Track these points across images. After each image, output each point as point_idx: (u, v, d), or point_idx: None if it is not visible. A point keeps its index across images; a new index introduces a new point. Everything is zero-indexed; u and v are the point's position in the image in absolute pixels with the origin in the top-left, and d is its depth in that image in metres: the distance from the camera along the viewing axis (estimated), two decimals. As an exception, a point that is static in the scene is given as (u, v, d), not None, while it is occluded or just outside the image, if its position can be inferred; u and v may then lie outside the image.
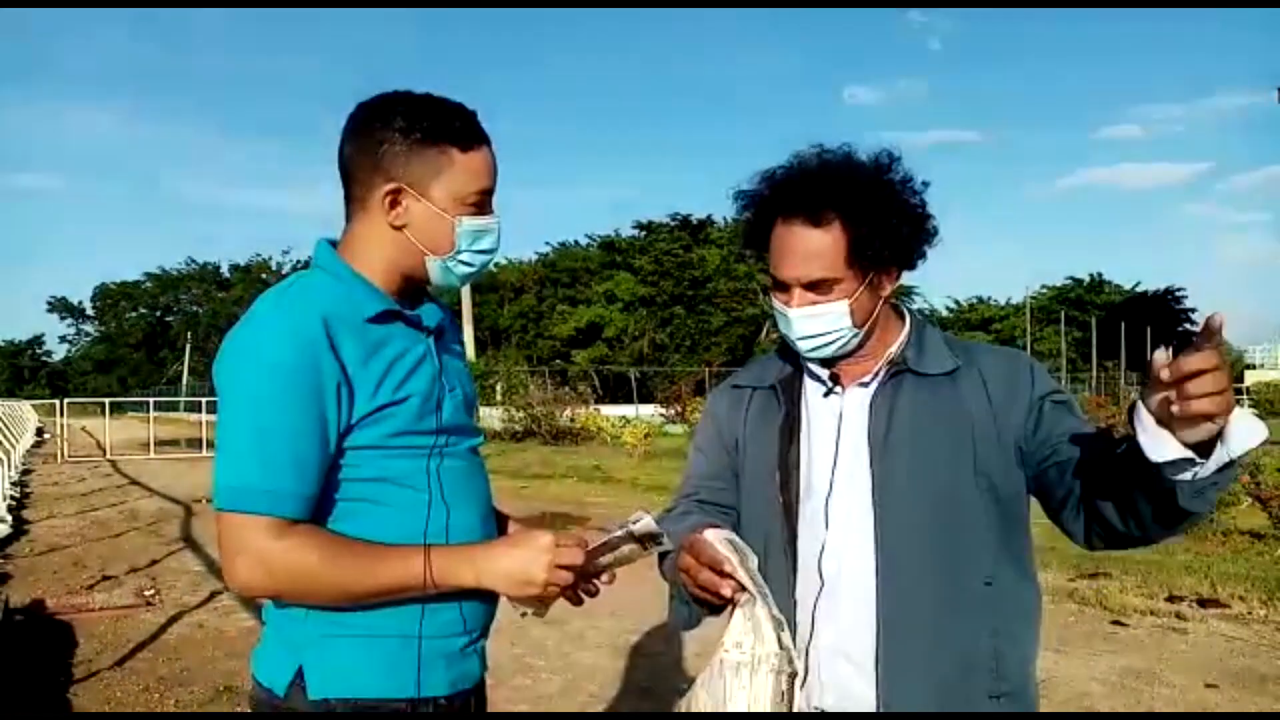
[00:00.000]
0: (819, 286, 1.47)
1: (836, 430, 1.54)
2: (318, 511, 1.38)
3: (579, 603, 1.48)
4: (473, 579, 1.39)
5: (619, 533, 1.41)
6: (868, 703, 1.44)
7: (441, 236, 1.45)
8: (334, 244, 1.50)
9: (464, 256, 1.48)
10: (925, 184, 1.52)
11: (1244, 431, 1.09)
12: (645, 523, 1.40)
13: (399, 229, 1.44)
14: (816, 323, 1.49)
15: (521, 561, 1.38)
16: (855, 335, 1.50)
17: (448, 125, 1.43)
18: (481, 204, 1.48)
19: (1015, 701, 1.45)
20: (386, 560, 1.36)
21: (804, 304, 1.48)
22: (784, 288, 1.50)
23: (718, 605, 1.43)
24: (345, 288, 1.42)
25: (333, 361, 1.34)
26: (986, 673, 1.42)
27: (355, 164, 1.45)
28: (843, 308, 1.48)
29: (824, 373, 1.57)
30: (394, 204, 1.43)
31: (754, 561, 1.33)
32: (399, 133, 1.42)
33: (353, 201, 1.48)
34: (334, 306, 1.38)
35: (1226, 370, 1.06)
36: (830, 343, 1.50)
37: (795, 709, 1.48)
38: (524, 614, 1.50)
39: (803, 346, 1.51)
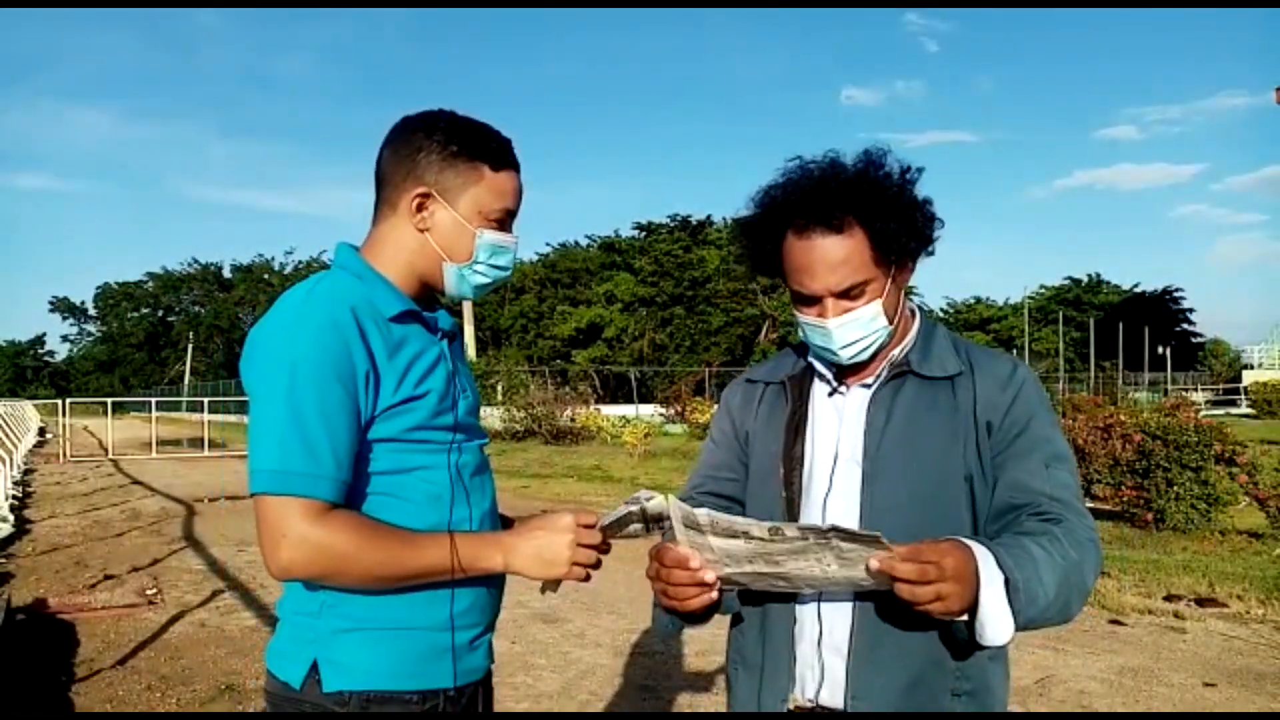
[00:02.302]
0: (851, 292, 1.47)
1: (838, 429, 1.55)
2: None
3: (588, 578, 1.52)
4: (501, 562, 1.45)
5: (633, 509, 1.45)
6: (843, 693, 1.46)
7: (462, 245, 1.51)
8: (354, 249, 1.56)
9: (480, 268, 1.54)
10: (920, 169, 1.53)
11: (991, 631, 1.30)
12: (657, 502, 1.44)
13: (422, 232, 1.51)
14: (854, 329, 1.49)
15: (547, 542, 1.45)
16: (889, 331, 1.52)
17: (484, 144, 1.52)
18: (503, 223, 1.54)
19: (976, 699, 1.47)
20: (420, 545, 1.40)
21: (839, 313, 1.48)
22: (813, 301, 1.49)
23: (694, 616, 1.47)
24: (367, 287, 1.48)
25: (363, 351, 1.40)
26: (951, 670, 1.45)
27: (391, 167, 1.52)
28: (876, 308, 1.49)
29: (829, 372, 1.58)
30: (421, 207, 1.50)
31: (704, 516, 1.31)
32: (437, 143, 1.49)
33: (383, 204, 1.54)
34: (360, 303, 1.44)
35: (939, 579, 1.23)
36: (870, 345, 1.51)
37: (793, 702, 1.50)
38: (545, 590, 1.56)
39: (845, 355, 1.50)
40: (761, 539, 1.28)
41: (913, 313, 1.61)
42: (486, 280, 1.56)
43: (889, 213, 1.46)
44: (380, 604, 1.42)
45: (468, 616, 1.50)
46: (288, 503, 1.34)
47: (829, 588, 1.37)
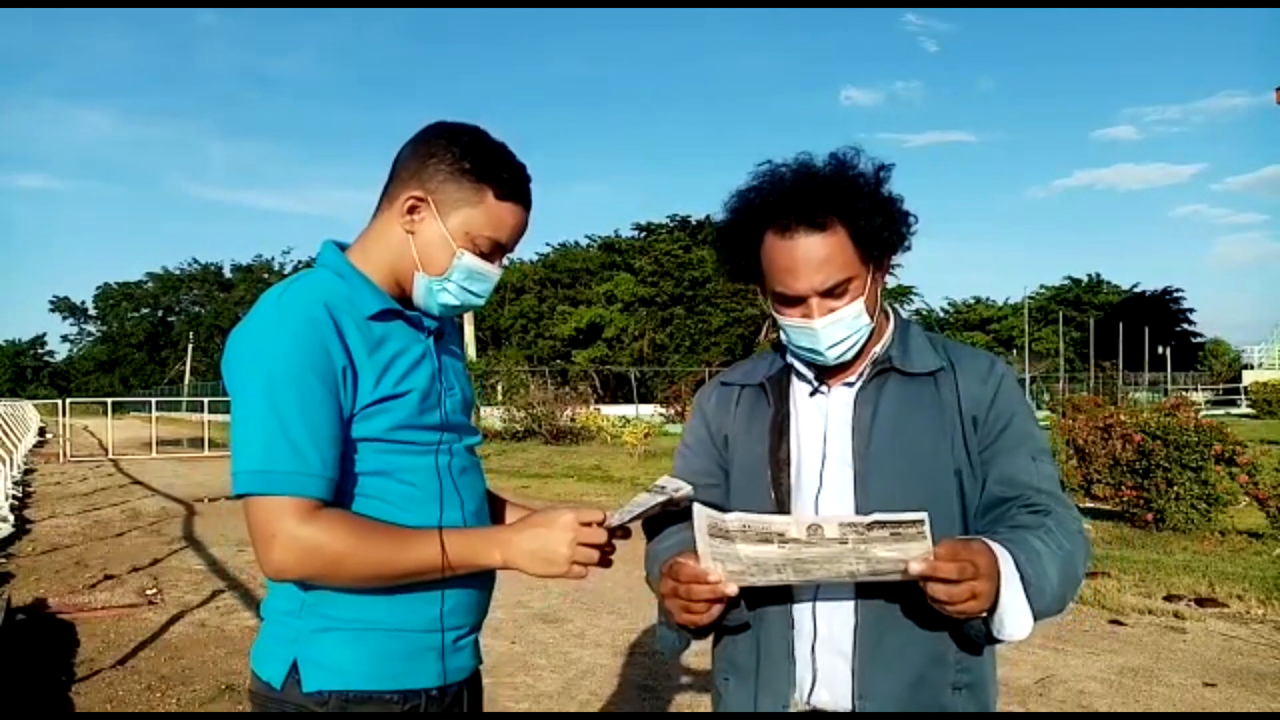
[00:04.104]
0: (835, 290, 1.46)
1: (824, 430, 1.54)
2: None
3: (609, 564, 1.49)
4: (499, 558, 1.43)
5: (659, 499, 1.43)
6: (849, 694, 1.46)
7: (438, 259, 1.48)
8: (341, 246, 1.54)
9: (451, 287, 1.49)
10: (891, 165, 1.53)
11: (1010, 627, 1.32)
12: (686, 491, 1.45)
13: (408, 234, 1.48)
14: (840, 328, 1.48)
15: (546, 540, 1.42)
16: (870, 329, 1.52)
17: (497, 169, 1.48)
18: (490, 254, 1.50)
19: (975, 692, 1.48)
20: (413, 542, 1.39)
21: (824, 313, 1.47)
22: (797, 301, 1.48)
23: (704, 629, 1.45)
24: (347, 285, 1.46)
25: (339, 347, 1.38)
26: (952, 665, 1.45)
27: (402, 164, 1.50)
28: (859, 306, 1.48)
29: (810, 373, 1.57)
30: (413, 210, 1.47)
31: (735, 521, 1.29)
32: (453, 155, 1.46)
33: (384, 197, 1.52)
34: (337, 300, 1.42)
35: (974, 577, 1.25)
36: (854, 345, 1.51)
37: (794, 706, 1.49)
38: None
39: (831, 355, 1.49)
40: (798, 540, 1.25)
41: (886, 311, 1.61)
42: (455, 302, 1.51)
43: (869, 210, 1.46)
44: (361, 604, 1.41)
45: (450, 617, 1.48)
46: (276, 502, 1.33)
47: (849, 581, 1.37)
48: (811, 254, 1.45)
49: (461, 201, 1.46)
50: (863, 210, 1.46)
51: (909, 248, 1.56)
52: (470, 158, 1.46)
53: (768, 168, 1.53)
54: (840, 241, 1.46)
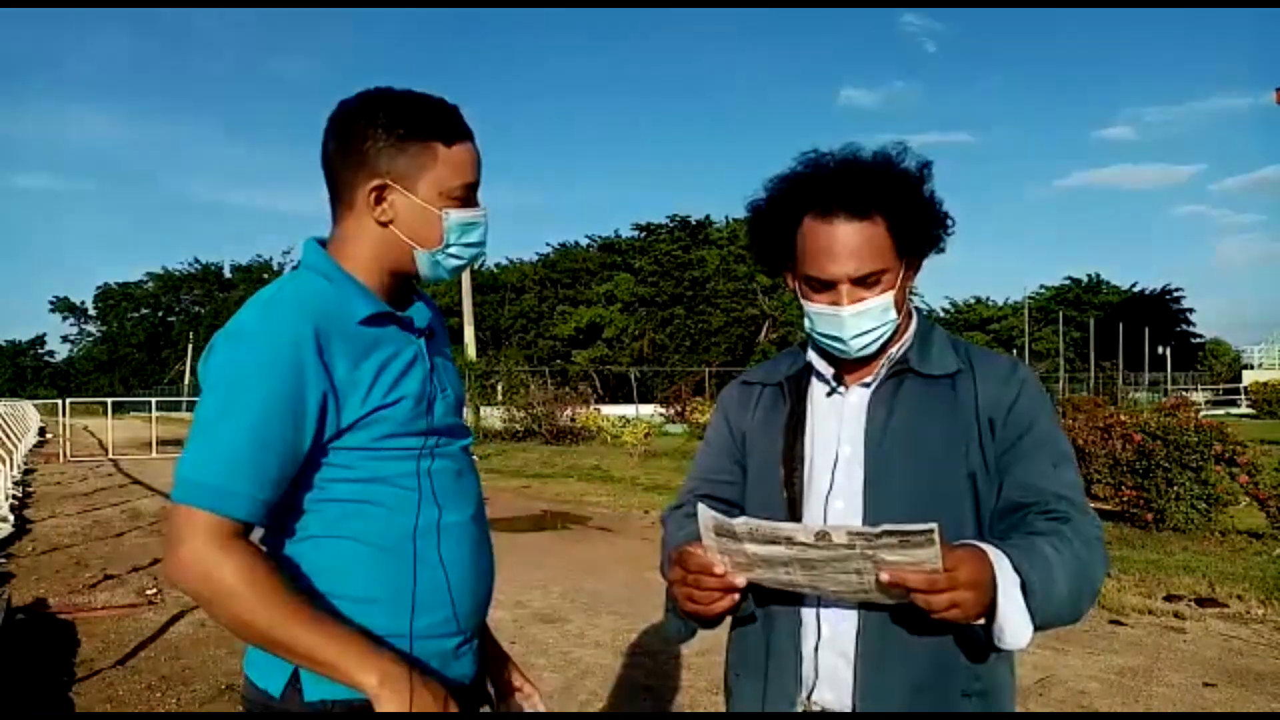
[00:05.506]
0: (867, 280, 1.46)
1: (838, 430, 1.54)
2: (310, 517, 1.39)
3: None
4: (370, 686, 1.29)
5: None
6: (850, 696, 1.46)
7: (429, 230, 1.45)
8: (323, 242, 1.50)
9: (453, 250, 1.48)
10: (931, 162, 1.53)
11: (1010, 635, 1.31)
12: None
13: (385, 225, 1.45)
14: (867, 319, 1.48)
15: (418, 699, 1.31)
16: (895, 324, 1.51)
17: (430, 120, 1.43)
18: (467, 198, 1.47)
19: (988, 699, 1.46)
20: (304, 625, 1.29)
21: (854, 301, 1.47)
22: (827, 287, 1.48)
23: (710, 619, 1.45)
24: (336, 289, 1.42)
25: (319, 371, 1.33)
26: (961, 671, 1.44)
27: (339, 163, 1.45)
28: (888, 300, 1.48)
29: (829, 371, 1.57)
30: (379, 200, 1.43)
31: (741, 525, 1.28)
32: (382, 129, 1.41)
33: (338, 201, 1.47)
34: (325, 311, 1.37)
35: (950, 587, 1.24)
36: (878, 338, 1.50)
37: (800, 706, 1.49)
38: None
39: (854, 345, 1.49)
40: (806, 544, 1.25)
41: (910, 312, 1.61)
42: (461, 261, 1.49)
43: (911, 205, 1.47)
44: (361, 611, 1.39)
45: (452, 624, 1.47)
46: (192, 514, 1.28)
47: (857, 599, 1.36)
48: (850, 240, 1.45)
49: (420, 167, 1.42)
50: (905, 205, 1.46)
51: (943, 249, 1.56)
52: (401, 122, 1.41)
53: (814, 154, 1.53)
54: (879, 232, 1.46)
